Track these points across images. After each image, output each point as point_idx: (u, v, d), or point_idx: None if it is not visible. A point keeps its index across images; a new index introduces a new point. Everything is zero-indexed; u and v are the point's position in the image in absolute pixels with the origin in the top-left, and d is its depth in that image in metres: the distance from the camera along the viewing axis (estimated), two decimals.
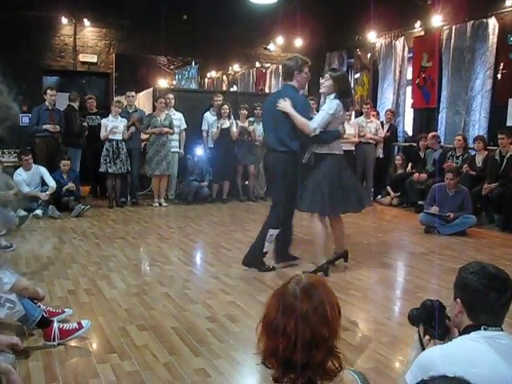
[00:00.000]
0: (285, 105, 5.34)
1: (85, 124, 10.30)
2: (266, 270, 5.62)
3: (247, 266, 5.66)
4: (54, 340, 3.61)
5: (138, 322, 4.08)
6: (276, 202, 5.66)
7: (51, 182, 8.73)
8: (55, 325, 3.66)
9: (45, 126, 9.43)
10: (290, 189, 5.45)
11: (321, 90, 5.64)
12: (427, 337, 2.36)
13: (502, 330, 2.05)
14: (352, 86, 13.55)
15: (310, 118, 5.40)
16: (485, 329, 2.01)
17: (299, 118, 5.30)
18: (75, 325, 3.73)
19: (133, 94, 10.20)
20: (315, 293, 1.66)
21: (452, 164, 9.04)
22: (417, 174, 9.80)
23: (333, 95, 5.43)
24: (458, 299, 2.15)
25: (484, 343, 1.97)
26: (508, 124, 9.02)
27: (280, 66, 14.77)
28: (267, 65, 15.01)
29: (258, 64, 15.05)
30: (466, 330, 2.08)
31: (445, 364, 1.94)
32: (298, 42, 13.41)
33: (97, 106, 10.78)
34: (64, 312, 4.05)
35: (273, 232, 5.53)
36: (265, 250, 5.61)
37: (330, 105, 5.38)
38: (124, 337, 3.79)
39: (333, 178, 5.38)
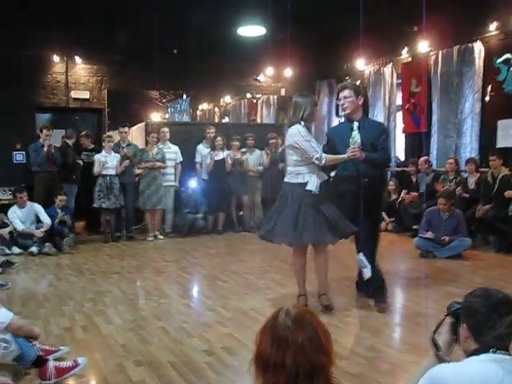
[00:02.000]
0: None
1: (79, 161, 10.34)
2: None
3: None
4: (49, 379, 3.57)
5: (135, 358, 4.04)
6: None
7: (46, 219, 8.72)
8: (51, 363, 3.62)
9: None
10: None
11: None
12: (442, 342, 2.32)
13: (510, 354, 2.02)
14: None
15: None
16: (493, 352, 1.98)
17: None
18: (71, 362, 3.70)
19: (126, 129, 10.26)
20: (307, 322, 1.67)
21: (448, 188, 9.07)
22: (407, 195, 9.85)
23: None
24: (464, 324, 2.14)
25: (494, 365, 1.94)
26: (498, 145, 9.10)
27: (272, 97, 14.97)
28: (258, 95, 15.14)
29: (248, 95, 15.17)
30: (474, 353, 2.05)
31: (457, 383, 1.91)
32: (288, 72, 13.54)
33: (92, 143, 10.84)
34: (60, 350, 4.01)
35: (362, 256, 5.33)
36: (367, 276, 5.29)
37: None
38: (121, 373, 3.75)
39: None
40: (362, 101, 5.25)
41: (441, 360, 2.30)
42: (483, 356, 1.99)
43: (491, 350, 2.00)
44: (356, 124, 5.06)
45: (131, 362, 3.95)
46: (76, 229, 9.78)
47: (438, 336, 2.34)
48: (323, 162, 5.07)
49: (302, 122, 5.15)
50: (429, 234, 7.85)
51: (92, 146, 10.71)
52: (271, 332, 1.66)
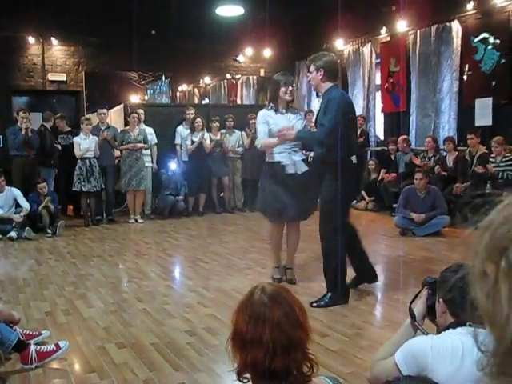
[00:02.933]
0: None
1: (57, 145, 10.23)
2: None
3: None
4: (31, 363, 3.58)
5: (117, 340, 4.05)
6: None
7: (25, 204, 8.64)
8: (32, 347, 3.62)
9: None
10: None
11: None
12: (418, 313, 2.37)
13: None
14: None
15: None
16: (470, 325, 2.00)
17: None
18: (53, 346, 3.71)
19: (104, 111, 10.16)
20: (282, 298, 1.70)
21: (426, 163, 9.16)
22: (387, 175, 9.92)
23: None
24: (441, 299, 2.18)
25: (471, 338, 1.96)
26: (476, 124, 9.18)
27: (252, 77, 14.91)
28: (238, 76, 15.07)
29: (228, 76, 15.10)
30: (450, 326, 2.09)
31: (434, 357, 1.95)
32: (267, 52, 13.51)
33: (68, 125, 10.72)
34: (41, 334, 4.01)
35: None
36: None
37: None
38: (103, 356, 3.77)
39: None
40: (322, 74, 4.89)
41: (415, 329, 2.36)
42: (460, 329, 2.03)
43: (468, 324, 2.04)
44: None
45: (113, 345, 3.96)
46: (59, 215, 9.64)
47: (414, 306, 2.39)
48: (258, 146, 5.37)
49: (270, 104, 5.32)
50: (414, 216, 7.85)
51: (68, 128, 10.59)
52: (248, 309, 1.68)
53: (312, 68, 4.96)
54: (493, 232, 0.42)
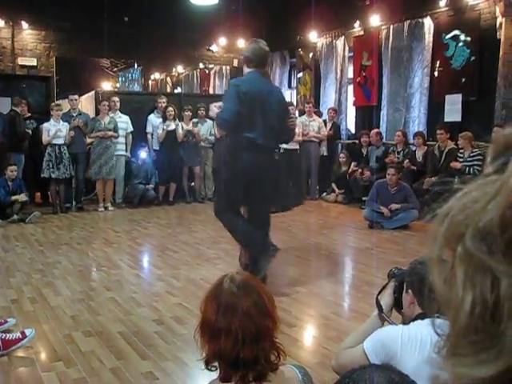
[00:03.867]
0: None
1: (28, 130, 10.08)
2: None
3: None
4: None
5: (84, 329, 4.04)
6: (269, 208, 5.21)
7: None
8: None
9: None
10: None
11: None
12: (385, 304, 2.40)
13: None
14: (295, 85, 13.74)
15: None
16: (438, 316, 2.04)
17: None
18: (18, 334, 3.67)
19: (76, 97, 10.02)
20: (251, 288, 1.72)
21: (394, 158, 9.28)
22: (360, 170, 10.00)
23: None
24: (409, 290, 2.22)
25: None
26: (446, 120, 9.30)
27: (225, 67, 14.87)
28: (211, 66, 15.02)
29: (201, 65, 15.04)
30: (419, 317, 2.10)
31: (403, 347, 1.96)
32: (241, 43, 13.47)
33: (29, 110, 10.56)
34: (7, 322, 3.97)
35: None
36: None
37: None
38: (69, 344, 3.75)
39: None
40: (243, 59, 5.21)
41: (383, 320, 2.39)
42: (428, 320, 2.06)
43: (436, 315, 2.06)
44: None
45: (80, 333, 3.95)
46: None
47: (381, 298, 2.43)
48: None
49: (247, 69, 5.08)
50: (384, 210, 7.92)
51: (29, 114, 10.42)
52: (216, 299, 1.70)
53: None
54: (451, 219, 0.45)
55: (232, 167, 4.83)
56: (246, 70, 5.05)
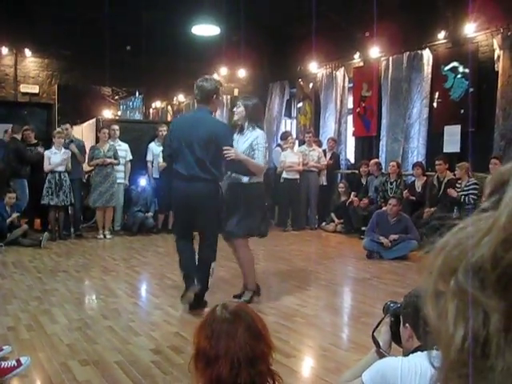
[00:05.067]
0: (237, 153, 5.19)
1: (39, 151, 10.11)
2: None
3: (200, 307, 5.16)
4: None
5: (81, 357, 3.99)
6: (212, 234, 5.37)
7: None
8: None
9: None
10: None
11: (235, 118, 5.75)
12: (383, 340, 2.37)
13: None
14: (295, 115, 13.83)
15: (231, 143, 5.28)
16: (437, 349, 2.01)
17: (252, 162, 5.29)
18: (14, 362, 3.63)
19: (67, 126, 10.12)
20: (244, 313, 1.73)
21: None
22: (356, 200, 10.01)
23: (255, 127, 5.44)
24: (407, 324, 2.20)
25: None
26: (444, 150, 9.35)
27: (226, 97, 14.95)
28: None
29: None
30: (418, 349, 2.07)
31: (403, 378, 1.92)
32: (242, 73, 13.62)
33: (36, 137, 10.63)
34: (2, 349, 3.93)
35: (213, 265, 5.40)
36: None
37: (262, 139, 5.43)
38: (65, 373, 3.71)
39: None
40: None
41: (382, 356, 2.36)
42: (425, 352, 2.02)
43: (435, 347, 2.03)
44: None
45: (76, 362, 3.90)
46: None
47: (377, 334, 2.41)
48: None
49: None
50: (384, 241, 7.89)
51: (35, 140, 10.48)
52: (210, 326, 1.69)
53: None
54: (446, 253, 0.46)
55: (171, 196, 5.46)
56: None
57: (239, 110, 5.49)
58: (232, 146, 5.22)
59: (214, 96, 5.32)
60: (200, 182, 5.11)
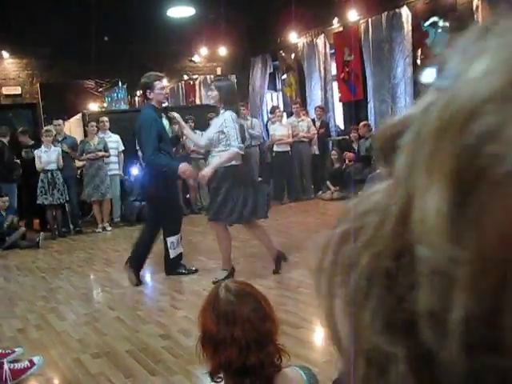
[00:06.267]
0: (205, 174, 5.56)
1: (16, 160, 10.06)
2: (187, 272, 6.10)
3: (171, 274, 6.03)
4: (6, 382, 3.54)
5: (92, 351, 4.04)
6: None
7: None
8: (5, 366, 3.59)
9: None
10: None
11: (211, 102, 5.83)
12: None
13: None
14: (280, 87, 13.77)
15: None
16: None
17: (222, 159, 5.40)
18: (27, 363, 3.67)
19: (60, 122, 10.04)
20: (248, 294, 1.73)
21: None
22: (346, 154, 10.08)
23: (226, 110, 5.45)
24: None
25: None
26: None
27: (209, 77, 14.89)
28: (195, 76, 15.03)
29: (185, 77, 15.05)
30: None
31: None
32: (222, 51, 13.51)
33: (31, 138, 10.57)
34: (14, 352, 3.96)
35: (173, 239, 5.96)
36: (173, 256, 6.02)
37: (217, 121, 5.51)
38: (78, 367, 3.75)
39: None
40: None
41: None
42: None
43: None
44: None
45: (88, 356, 3.95)
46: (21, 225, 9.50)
47: None
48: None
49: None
50: None
51: (31, 142, 10.43)
52: (215, 309, 1.69)
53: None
54: (335, 247, 0.37)
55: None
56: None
57: (214, 93, 5.54)
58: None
59: (148, 90, 5.87)
60: (150, 171, 6.14)
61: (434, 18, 9.31)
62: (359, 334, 0.32)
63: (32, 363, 3.68)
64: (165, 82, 15.15)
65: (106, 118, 10.25)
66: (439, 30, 9.24)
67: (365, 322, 0.31)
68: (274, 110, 11.31)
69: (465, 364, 0.26)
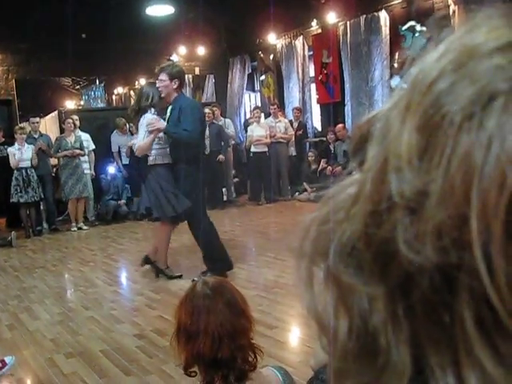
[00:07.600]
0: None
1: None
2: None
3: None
4: None
5: (65, 350, 4.00)
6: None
7: None
8: None
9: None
10: None
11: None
12: None
13: None
14: (258, 88, 13.78)
15: None
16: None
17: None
18: None
19: (37, 119, 9.93)
20: (225, 289, 1.74)
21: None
22: (330, 168, 10.07)
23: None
24: None
25: None
26: None
27: (187, 76, 14.83)
28: None
29: None
30: None
31: None
32: (201, 50, 13.49)
33: (3, 136, 10.42)
34: None
35: None
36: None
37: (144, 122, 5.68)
38: (51, 367, 3.71)
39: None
40: (177, 84, 5.52)
41: None
42: None
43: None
44: (170, 108, 5.59)
45: (62, 355, 3.91)
46: None
47: None
48: (135, 149, 5.95)
49: (152, 109, 5.64)
50: None
51: (3, 139, 10.29)
52: (190, 302, 1.71)
53: (166, 77, 5.50)
54: (315, 232, 0.40)
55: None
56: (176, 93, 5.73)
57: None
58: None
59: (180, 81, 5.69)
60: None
61: (412, 23, 9.39)
62: (342, 293, 0.37)
63: (4, 363, 3.63)
64: (142, 80, 15.13)
65: (75, 117, 10.11)
66: (416, 35, 9.33)
67: (347, 280, 0.36)
68: (255, 109, 11.31)
69: (437, 262, 0.32)
